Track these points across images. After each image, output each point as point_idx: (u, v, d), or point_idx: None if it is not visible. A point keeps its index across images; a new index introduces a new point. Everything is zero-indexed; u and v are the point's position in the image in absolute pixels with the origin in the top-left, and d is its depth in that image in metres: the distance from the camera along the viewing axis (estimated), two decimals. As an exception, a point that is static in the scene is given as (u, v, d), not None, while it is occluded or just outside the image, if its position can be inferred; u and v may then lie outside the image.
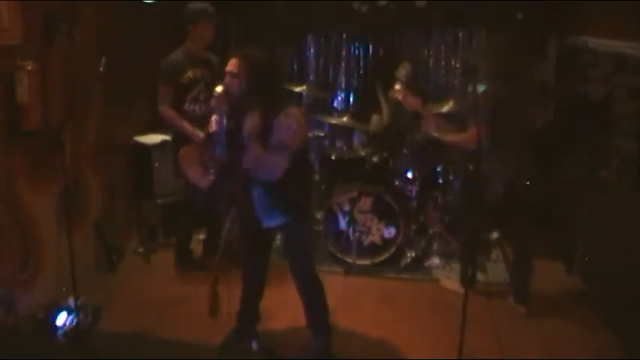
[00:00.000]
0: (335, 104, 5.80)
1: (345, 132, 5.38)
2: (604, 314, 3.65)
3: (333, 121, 4.88)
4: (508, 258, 4.50)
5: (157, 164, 4.53)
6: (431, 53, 5.55)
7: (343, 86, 5.80)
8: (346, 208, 4.37)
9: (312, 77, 5.75)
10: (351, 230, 4.33)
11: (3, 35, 3.19)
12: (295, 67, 5.74)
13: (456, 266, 4.31)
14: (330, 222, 4.43)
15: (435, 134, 3.88)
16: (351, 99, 5.79)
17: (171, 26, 4.79)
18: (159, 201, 4.59)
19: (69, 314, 3.25)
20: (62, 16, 3.58)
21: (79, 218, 3.83)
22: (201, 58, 3.98)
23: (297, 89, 4.80)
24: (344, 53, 5.74)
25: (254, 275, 3.26)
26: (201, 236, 4.61)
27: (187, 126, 3.87)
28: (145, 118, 4.73)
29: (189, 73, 3.92)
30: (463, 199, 4.36)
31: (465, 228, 4.21)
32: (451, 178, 4.66)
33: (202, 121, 3.86)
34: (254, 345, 3.22)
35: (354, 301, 3.92)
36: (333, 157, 4.83)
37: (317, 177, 4.81)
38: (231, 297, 3.14)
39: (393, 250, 4.36)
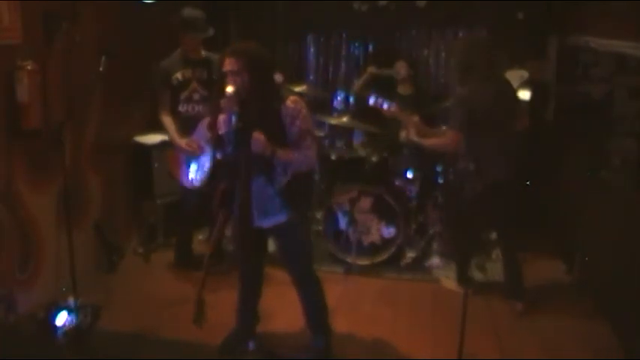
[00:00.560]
0: (335, 104, 5.80)
1: (345, 132, 5.38)
2: (604, 314, 3.65)
3: (333, 121, 4.88)
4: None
5: (156, 164, 4.53)
6: (431, 53, 5.55)
7: (343, 86, 5.80)
8: (346, 208, 4.36)
9: (312, 77, 5.75)
10: (350, 230, 4.33)
11: (3, 35, 3.19)
12: (295, 67, 5.74)
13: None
14: (330, 222, 4.43)
15: (415, 139, 3.90)
16: (351, 99, 5.79)
17: (171, 26, 4.80)
18: (159, 201, 4.60)
19: (69, 314, 3.25)
20: (62, 16, 3.58)
21: (79, 218, 3.83)
22: (197, 60, 3.99)
23: (297, 89, 4.80)
24: (344, 53, 5.74)
25: (251, 275, 3.26)
26: (201, 236, 4.61)
27: (174, 135, 3.99)
28: (145, 118, 4.72)
29: (178, 75, 3.97)
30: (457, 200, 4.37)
31: (457, 230, 4.22)
32: (451, 178, 4.66)
33: (197, 122, 3.90)
34: (250, 345, 3.23)
35: (353, 301, 3.92)
36: (333, 157, 4.83)
37: (317, 177, 4.81)
38: (226, 300, 3.14)
39: (392, 250, 4.36)
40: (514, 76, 4.67)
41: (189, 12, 3.91)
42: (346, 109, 5.63)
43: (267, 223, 2.99)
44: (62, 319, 3.25)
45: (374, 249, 4.38)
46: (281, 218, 2.96)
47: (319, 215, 4.60)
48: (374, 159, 4.59)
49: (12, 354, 2.97)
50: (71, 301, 3.23)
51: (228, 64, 2.78)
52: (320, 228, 4.53)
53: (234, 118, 2.79)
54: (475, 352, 3.07)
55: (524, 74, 4.79)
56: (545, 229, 4.77)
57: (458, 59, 3.76)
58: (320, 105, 5.28)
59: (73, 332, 3.22)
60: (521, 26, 5.00)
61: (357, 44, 5.73)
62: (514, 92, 4.02)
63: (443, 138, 3.78)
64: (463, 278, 3.95)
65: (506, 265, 3.88)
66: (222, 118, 2.85)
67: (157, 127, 4.51)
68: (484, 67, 3.65)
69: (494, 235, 4.43)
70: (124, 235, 4.57)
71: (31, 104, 3.32)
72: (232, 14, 5.50)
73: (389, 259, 4.37)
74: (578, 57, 4.57)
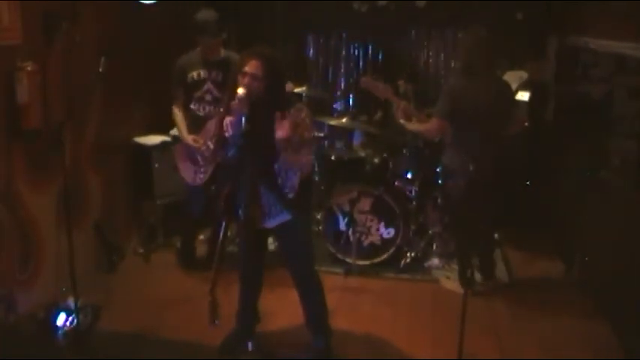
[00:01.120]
0: (335, 104, 5.81)
1: (345, 133, 5.38)
2: (604, 314, 3.65)
3: (333, 122, 4.88)
4: (508, 258, 4.51)
5: (156, 164, 4.53)
6: (431, 53, 5.56)
7: (343, 86, 5.81)
8: (346, 208, 4.36)
9: (312, 77, 5.75)
10: (350, 231, 4.32)
11: (3, 35, 3.19)
12: (295, 67, 5.74)
13: (456, 266, 4.31)
14: (329, 222, 4.43)
15: (402, 121, 3.95)
16: (351, 99, 5.80)
17: (171, 26, 4.80)
18: (159, 201, 4.59)
19: (69, 314, 3.25)
20: (62, 16, 3.58)
21: (79, 218, 3.83)
22: (215, 60, 3.97)
23: (297, 89, 4.80)
24: (344, 53, 5.75)
25: (252, 275, 3.27)
26: (202, 236, 4.61)
27: (183, 130, 4.00)
28: (145, 118, 4.73)
29: (194, 74, 3.96)
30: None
31: (457, 228, 4.23)
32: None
33: (205, 122, 3.92)
34: (250, 345, 3.23)
35: (353, 301, 3.92)
36: (332, 158, 4.83)
37: (317, 177, 4.81)
38: (230, 299, 3.15)
39: (392, 250, 4.36)
40: (514, 76, 4.68)
41: (202, 15, 3.87)
42: (346, 109, 5.65)
43: (271, 223, 3.01)
44: (62, 319, 3.25)
45: (374, 249, 4.38)
46: (284, 218, 2.98)
47: (319, 215, 4.60)
48: (374, 159, 4.60)
49: (12, 354, 2.97)
50: (71, 301, 3.22)
51: (253, 67, 2.78)
52: (320, 228, 4.52)
53: (243, 121, 2.78)
54: (475, 352, 3.08)
55: (524, 75, 4.80)
56: (545, 229, 4.77)
57: (460, 56, 3.80)
58: (320, 105, 5.28)
59: (73, 332, 3.22)
60: (521, 26, 5.01)
61: (357, 44, 5.73)
62: (510, 94, 4.03)
63: (426, 124, 3.85)
64: (465, 279, 3.95)
65: (482, 252, 4.05)
66: (229, 120, 2.82)
67: (157, 127, 4.52)
68: (483, 65, 3.68)
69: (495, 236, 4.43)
70: (124, 235, 4.57)
71: (31, 104, 3.31)
72: (232, 14, 5.49)
73: (389, 259, 4.37)
74: (577, 57, 4.57)
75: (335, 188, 4.54)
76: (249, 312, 3.33)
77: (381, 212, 4.33)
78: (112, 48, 3.64)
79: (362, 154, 4.74)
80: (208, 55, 3.95)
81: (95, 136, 4.14)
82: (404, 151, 4.60)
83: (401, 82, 4.87)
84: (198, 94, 3.98)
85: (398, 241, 4.34)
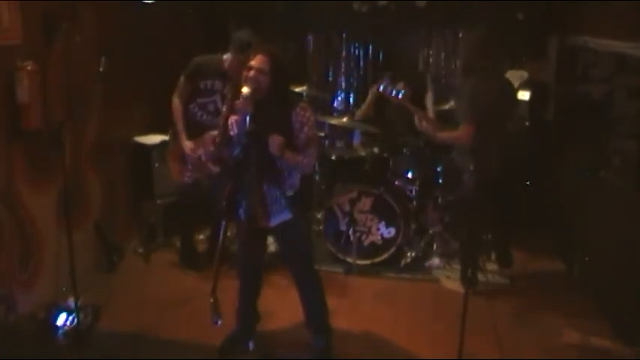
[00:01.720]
0: (335, 104, 5.81)
1: (345, 132, 5.38)
2: (604, 314, 3.65)
3: (333, 121, 4.88)
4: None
5: (156, 164, 4.53)
6: (431, 53, 5.55)
7: (343, 86, 5.81)
8: (346, 208, 4.36)
9: (312, 77, 5.75)
10: (351, 230, 4.32)
11: (3, 35, 3.19)
12: (295, 67, 5.74)
13: (456, 266, 4.31)
14: (330, 222, 4.43)
15: (429, 132, 3.90)
16: (351, 99, 5.80)
17: (171, 26, 4.81)
18: (159, 201, 4.59)
19: (69, 314, 3.25)
20: (62, 16, 3.58)
21: (79, 218, 3.83)
22: (231, 75, 3.95)
23: (297, 89, 4.80)
24: (344, 53, 5.74)
25: (252, 275, 3.27)
26: (202, 236, 4.61)
27: (182, 129, 3.95)
28: (145, 118, 4.73)
29: (207, 83, 3.92)
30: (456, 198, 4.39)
31: (459, 228, 4.23)
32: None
33: (198, 128, 3.90)
34: (250, 345, 3.23)
35: (354, 301, 3.92)
36: (333, 157, 4.83)
37: (317, 177, 4.81)
38: (231, 299, 3.14)
39: (392, 250, 4.36)
40: (514, 76, 4.69)
41: (240, 34, 3.83)
42: (346, 109, 5.64)
43: (271, 222, 3.01)
44: (62, 319, 3.25)
45: (374, 249, 4.38)
46: (285, 216, 2.99)
47: (319, 215, 4.60)
48: (374, 159, 4.59)
49: (12, 354, 2.97)
50: (71, 301, 3.22)
51: (260, 61, 2.78)
52: (320, 228, 4.52)
53: (248, 120, 2.78)
54: (475, 352, 3.08)
55: (524, 74, 4.80)
56: (545, 229, 4.77)
57: (470, 57, 3.79)
58: (320, 105, 5.27)
59: (73, 332, 3.22)
60: (521, 26, 5.00)
61: (357, 44, 5.73)
62: (515, 93, 4.04)
63: (458, 132, 3.76)
64: (467, 278, 3.95)
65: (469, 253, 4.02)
66: (234, 118, 2.82)
67: (157, 127, 4.52)
68: (491, 64, 3.69)
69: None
70: (124, 235, 4.57)
71: (31, 104, 3.32)
72: (232, 14, 5.49)
73: (389, 259, 4.37)
74: (578, 57, 4.57)
75: (335, 188, 4.55)
76: (249, 312, 3.33)
77: (382, 212, 4.33)
78: (112, 48, 3.64)
79: (362, 153, 4.74)
80: (231, 69, 3.92)
81: (95, 136, 4.14)
82: (404, 151, 4.60)
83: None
84: (203, 100, 3.96)
85: (398, 240, 4.34)
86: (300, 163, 2.91)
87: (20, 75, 3.26)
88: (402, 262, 4.41)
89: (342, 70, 5.77)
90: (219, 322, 3.00)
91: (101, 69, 3.43)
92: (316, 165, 4.83)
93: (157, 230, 4.68)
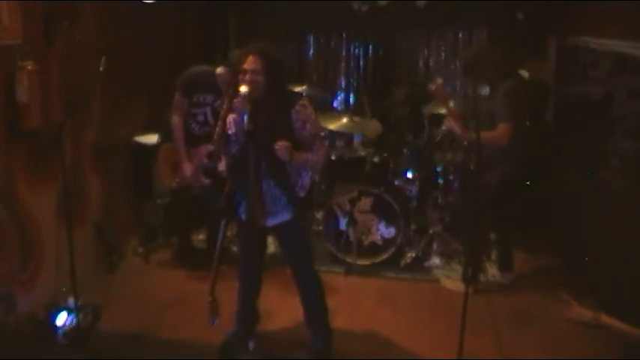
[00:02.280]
0: (335, 104, 5.81)
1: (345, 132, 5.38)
2: (604, 314, 3.65)
3: (332, 126, 4.85)
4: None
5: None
6: (431, 53, 5.55)
7: (343, 86, 5.81)
8: (346, 208, 4.36)
9: (312, 77, 5.75)
10: (351, 230, 4.32)
11: (3, 35, 3.19)
12: (295, 67, 5.74)
13: (456, 266, 4.32)
14: (330, 222, 4.43)
15: (462, 135, 3.86)
16: (351, 99, 5.80)
17: (171, 26, 4.80)
18: (158, 201, 4.59)
19: (69, 314, 3.25)
20: (62, 16, 3.58)
21: (79, 218, 3.83)
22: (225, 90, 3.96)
23: (297, 89, 4.80)
24: (344, 53, 5.75)
25: (251, 275, 3.27)
26: (201, 236, 4.61)
27: (181, 146, 3.99)
28: (145, 118, 4.73)
29: (200, 97, 3.96)
30: (463, 198, 4.39)
31: (465, 227, 4.23)
32: (451, 178, 4.66)
33: (191, 137, 3.96)
34: (250, 345, 3.23)
35: (354, 301, 3.92)
36: (333, 157, 4.82)
37: (317, 177, 4.81)
38: (230, 299, 3.14)
39: (393, 250, 4.36)
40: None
41: (237, 53, 3.84)
42: (346, 109, 5.65)
43: (271, 222, 3.01)
44: (62, 319, 3.25)
45: (374, 249, 4.38)
46: (285, 216, 2.99)
47: (319, 215, 4.60)
48: (374, 159, 4.59)
49: (12, 354, 2.97)
50: (71, 301, 3.23)
51: (252, 62, 2.78)
52: (320, 228, 4.52)
53: (245, 119, 2.78)
54: (475, 352, 3.07)
55: (524, 74, 4.80)
56: (544, 229, 4.77)
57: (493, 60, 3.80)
58: (320, 105, 5.28)
59: (73, 332, 3.22)
60: (521, 26, 5.00)
61: (357, 44, 5.74)
62: (530, 92, 4.08)
63: (496, 132, 3.66)
64: (471, 277, 3.94)
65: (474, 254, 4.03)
66: (232, 117, 2.81)
67: (157, 127, 4.51)
68: (512, 65, 3.80)
69: (493, 236, 4.43)
70: (124, 235, 4.57)
71: (30, 104, 3.31)
72: (232, 14, 5.50)
73: (389, 259, 4.37)
74: (577, 57, 4.57)
75: (335, 188, 4.55)
76: (249, 312, 3.32)
77: (382, 212, 4.33)
78: (112, 48, 3.64)
79: (362, 153, 4.74)
80: (224, 83, 3.89)
81: (95, 136, 4.14)
82: (404, 151, 4.60)
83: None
84: (193, 111, 4.00)
85: (398, 240, 4.34)
86: (310, 160, 2.91)
87: (20, 75, 3.26)
88: (402, 262, 4.41)
89: (342, 70, 5.78)
90: (216, 322, 3.01)
91: (101, 68, 3.43)
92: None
93: (156, 230, 4.68)
